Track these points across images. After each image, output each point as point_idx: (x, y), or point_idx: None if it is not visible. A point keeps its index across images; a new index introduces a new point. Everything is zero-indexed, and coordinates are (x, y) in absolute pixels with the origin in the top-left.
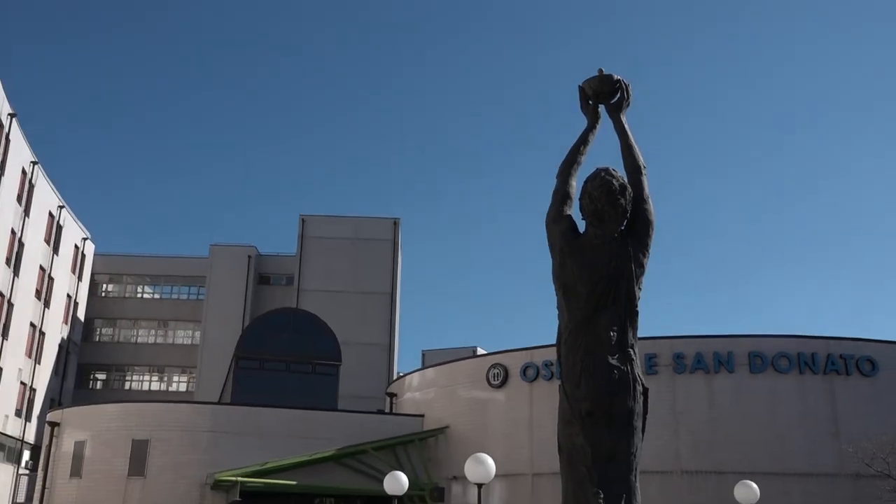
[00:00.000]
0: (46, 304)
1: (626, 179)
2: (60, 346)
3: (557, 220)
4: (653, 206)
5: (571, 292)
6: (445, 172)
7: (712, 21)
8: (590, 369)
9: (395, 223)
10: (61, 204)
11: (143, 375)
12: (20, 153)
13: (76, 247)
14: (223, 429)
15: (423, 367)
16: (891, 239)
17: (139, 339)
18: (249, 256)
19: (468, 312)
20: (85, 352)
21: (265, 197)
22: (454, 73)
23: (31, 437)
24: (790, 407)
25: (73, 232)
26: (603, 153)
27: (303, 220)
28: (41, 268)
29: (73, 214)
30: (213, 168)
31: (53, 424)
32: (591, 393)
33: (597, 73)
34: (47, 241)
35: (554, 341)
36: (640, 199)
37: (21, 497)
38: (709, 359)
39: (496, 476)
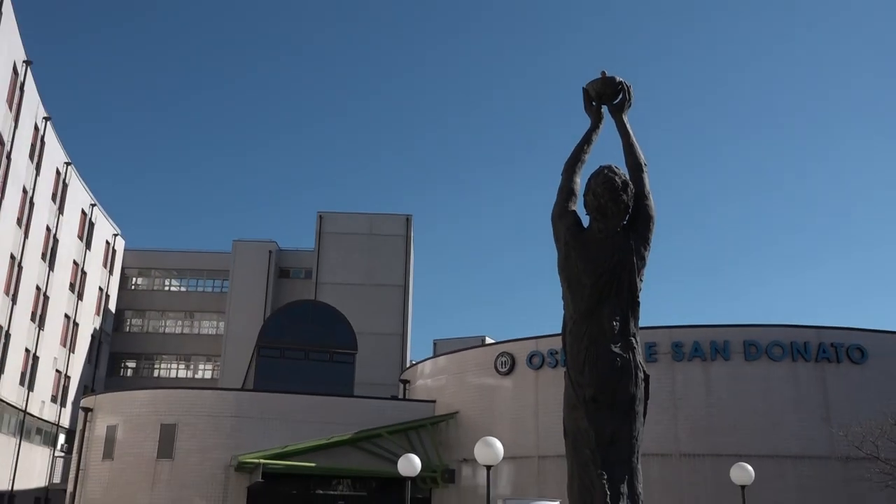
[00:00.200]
0: (80, 297)
1: (627, 176)
2: (93, 336)
3: (563, 215)
4: (653, 202)
5: (576, 284)
6: (455, 171)
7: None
8: (593, 357)
9: (408, 219)
10: (93, 202)
11: (171, 364)
12: (54, 155)
13: (107, 242)
14: (246, 414)
15: (435, 356)
16: (880, 231)
17: (167, 330)
18: (270, 251)
19: (477, 303)
20: (116, 341)
21: (285, 195)
22: (459, 73)
23: (66, 421)
24: (783, 393)
25: (105, 228)
26: (605, 152)
27: (320, 216)
28: (75, 262)
29: (104, 212)
30: (235, 168)
31: (87, 410)
32: (595, 379)
33: (600, 76)
34: (80, 238)
35: (559, 331)
36: (641, 196)
37: (57, 478)
38: (706, 347)
39: (504, 458)
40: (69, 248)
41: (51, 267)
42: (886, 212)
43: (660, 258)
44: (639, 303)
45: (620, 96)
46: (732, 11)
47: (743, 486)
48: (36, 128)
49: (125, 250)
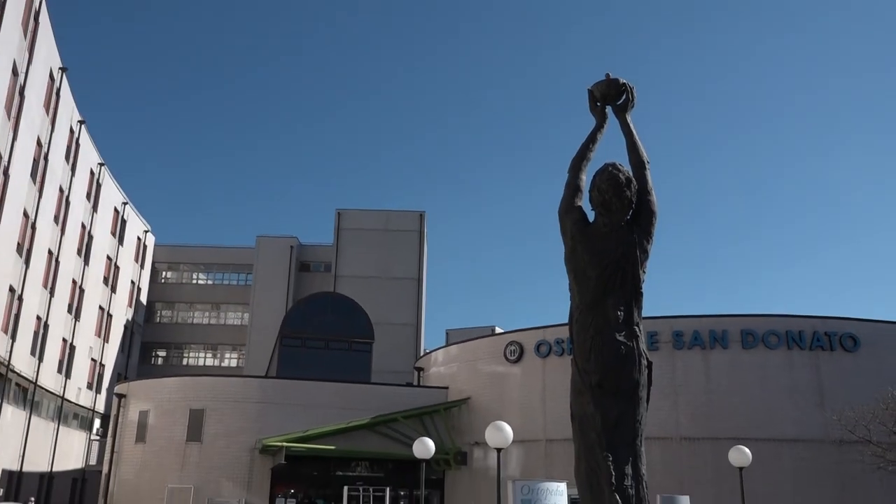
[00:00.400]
0: (113, 290)
1: (631, 173)
2: (126, 326)
3: (569, 210)
4: (655, 198)
5: (582, 276)
6: (466, 168)
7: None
8: (599, 345)
9: (421, 216)
10: (125, 200)
11: (199, 352)
12: (88, 156)
13: (138, 238)
14: (270, 400)
15: (447, 345)
16: (871, 225)
17: (195, 321)
18: (292, 246)
19: (487, 295)
20: (147, 332)
21: (305, 192)
22: (466, 75)
23: (101, 407)
24: (779, 380)
25: (136, 225)
26: (608, 150)
27: (339, 213)
28: (108, 257)
29: (135, 210)
30: (258, 167)
31: (120, 396)
32: (601, 366)
33: (604, 77)
34: (113, 234)
35: (565, 321)
36: (644, 191)
37: (93, 460)
38: (705, 336)
39: (513, 442)
40: (103, 244)
41: (86, 262)
42: (877, 205)
43: (661, 251)
44: (642, 293)
45: (624, 97)
46: (731, 10)
47: (741, 468)
48: (71, 131)
49: (155, 246)
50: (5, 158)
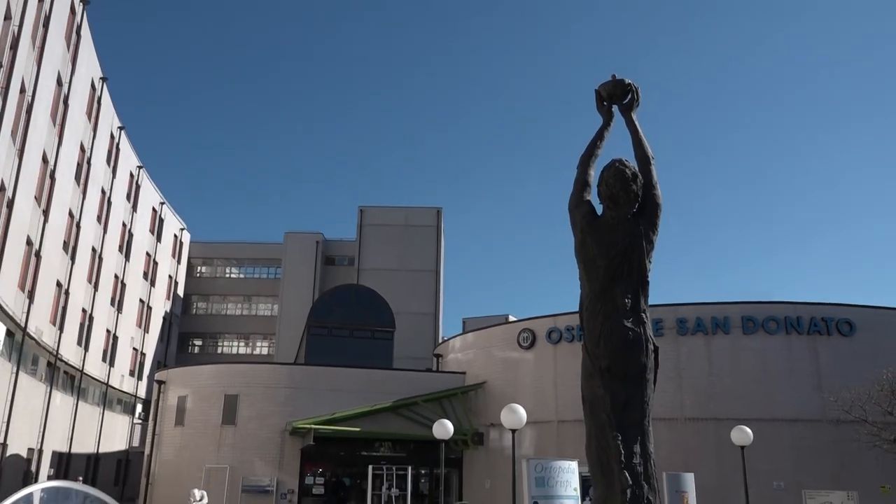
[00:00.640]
0: (152, 284)
1: (637, 168)
2: (164, 318)
3: (578, 204)
4: (660, 191)
5: (591, 266)
6: (481, 164)
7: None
8: (608, 331)
9: (438, 212)
10: (162, 200)
11: (232, 342)
12: (128, 159)
13: (175, 236)
14: (299, 385)
15: (464, 332)
16: (866, 213)
17: (228, 312)
18: (317, 242)
19: (501, 285)
20: (184, 322)
21: (330, 191)
22: (477, 74)
23: (142, 392)
24: (778, 363)
25: (173, 223)
26: (614, 147)
27: (361, 210)
28: (147, 254)
29: (172, 209)
30: (286, 168)
31: (160, 382)
32: (610, 351)
33: (610, 78)
34: (151, 232)
35: (575, 309)
36: (649, 186)
37: (136, 442)
38: (707, 323)
39: (527, 423)
40: (142, 241)
41: (127, 258)
42: (872, 194)
43: (666, 242)
44: (648, 282)
45: (629, 96)
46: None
47: (742, 447)
48: (111, 136)
49: (191, 242)
50: (52, 163)
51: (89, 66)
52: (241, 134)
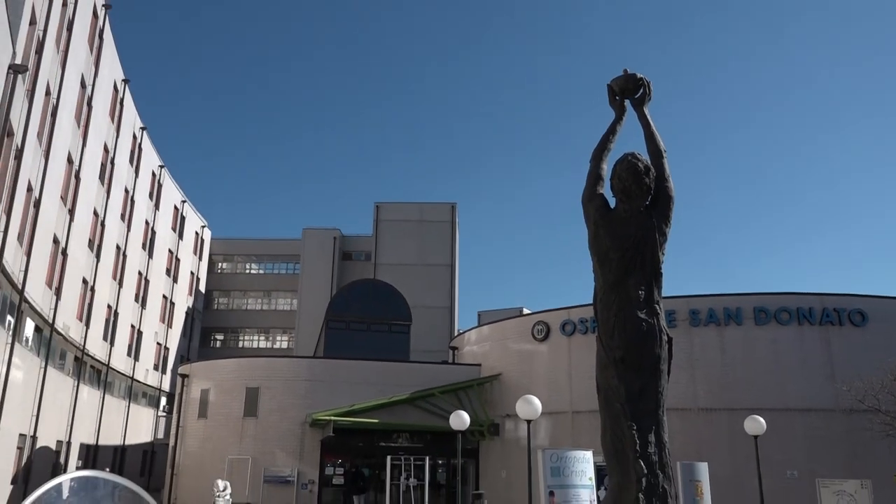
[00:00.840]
0: (175, 280)
1: (649, 162)
2: (187, 313)
3: (592, 198)
4: (672, 184)
5: (605, 258)
6: (495, 160)
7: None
8: (622, 322)
9: (453, 207)
10: (184, 199)
11: (252, 336)
12: (150, 159)
13: (196, 233)
14: (318, 378)
15: (479, 325)
16: (878, 205)
17: (248, 307)
18: (335, 237)
19: (516, 278)
20: (206, 317)
21: (346, 188)
22: (489, 72)
23: (166, 386)
24: (791, 354)
25: (194, 221)
26: (626, 141)
27: (377, 206)
28: (170, 251)
29: (193, 207)
30: (304, 166)
31: (184, 376)
32: (624, 342)
33: (622, 73)
34: (174, 229)
35: (589, 301)
36: (661, 179)
37: (160, 434)
38: (720, 314)
39: (542, 414)
40: (165, 238)
41: (150, 255)
42: (884, 186)
43: (678, 235)
44: (661, 273)
45: (641, 91)
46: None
47: (756, 436)
48: (134, 136)
49: (212, 239)
50: (76, 163)
51: (112, 68)
52: (259, 132)
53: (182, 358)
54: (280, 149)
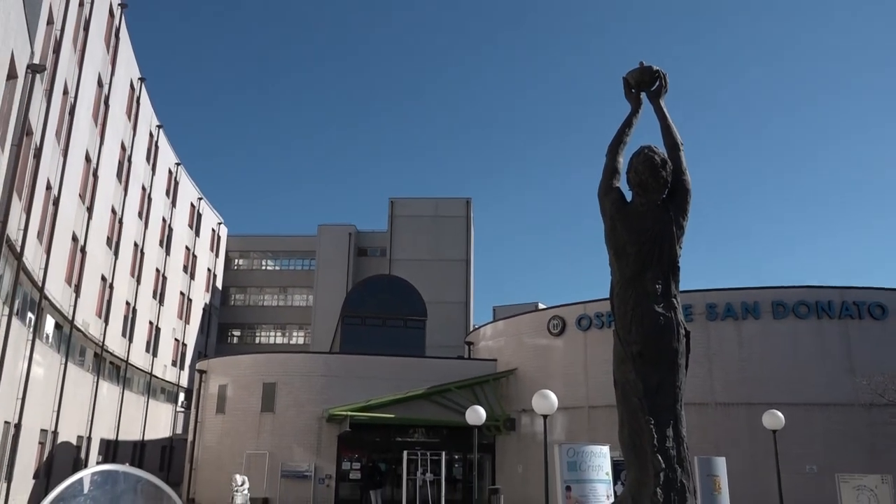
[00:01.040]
0: (192, 277)
1: (666, 155)
2: (204, 309)
3: (608, 191)
4: (689, 177)
5: (621, 252)
6: (508, 156)
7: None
8: (639, 316)
9: (468, 202)
10: (200, 196)
11: (269, 331)
12: (166, 156)
13: (213, 230)
14: (334, 373)
15: (495, 320)
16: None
17: (265, 303)
18: (350, 233)
19: (531, 273)
20: (223, 314)
21: (361, 184)
22: (503, 70)
23: (184, 382)
24: (809, 348)
25: (210, 218)
26: (642, 134)
27: (392, 202)
28: (186, 248)
29: (209, 204)
30: (319, 162)
31: (201, 372)
32: (641, 336)
33: (638, 65)
34: (190, 227)
35: (604, 296)
36: (678, 172)
37: (179, 429)
38: (737, 308)
39: (558, 409)
40: (181, 235)
41: (167, 252)
42: None
43: (695, 228)
44: (678, 267)
45: (657, 83)
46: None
47: (774, 431)
48: (150, 134)
49: (228, 236)
50: (94, 161)
51: (128, 67)
52: (275, 129)
53: (199, 354)
54: (295, 145)
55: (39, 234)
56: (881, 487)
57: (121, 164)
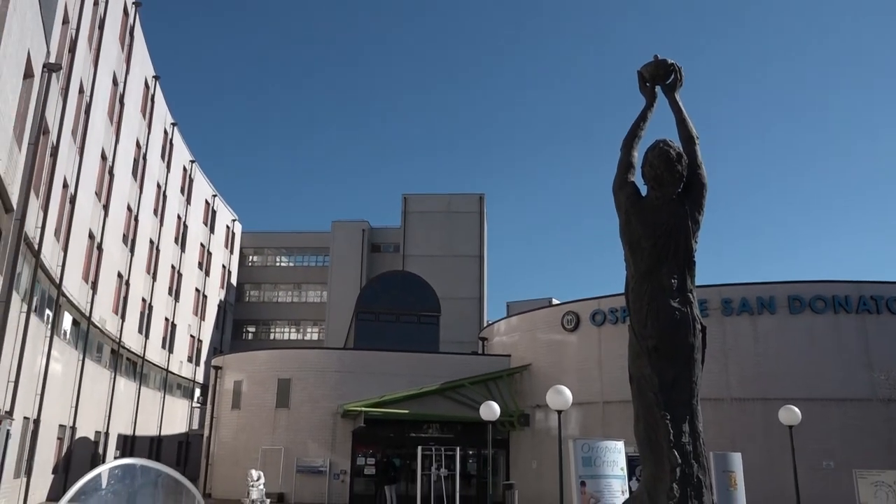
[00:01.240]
0: (207, 274)
1: (681, 149)
2: (219, 306)
3: (623, 186)
4: (705, 171)
5: (636, 247)
6: (522, 152)
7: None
8: (654, 311)
9: (481, 198)
10: (214, 193)
11: (283, 328)
12: (181, 154)
13: (227, 227)
14: (348, 369)
15: (508, 316)
16: None
17: (279, 299)
18: (363, 230)
19: (544, 268)
20: (238, 310)
21: (374, 180)
22: (517, 67)
23: (200, 378)
24: (826, 342)
25: (225, 215)
26: (657, 128)
27: (405, 198)
28: (201, 245)
29: (224, 201)
30: (332, 159)
31: (217, 368)
32: (657, 331)
33: (653, 59)
34: (205, 224)
35: (619, 291)
36: (694, 165)
37: (195, 425)
38: (753, 303)
39: (572, 404)
40: (196, 232)
41: (182, 249)
42: None
43: (710, 223)
44: (694, 262)
45: (672, 77)
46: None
47: (790, 427)
48: (165, 132)
49: (242, 233)
50: (110, 159)
51: (143, 65)
52: (288, 126)
53: (215, 350)
54: (309, 142)
55: (56, 232)
56: None
57: (136, 161)
